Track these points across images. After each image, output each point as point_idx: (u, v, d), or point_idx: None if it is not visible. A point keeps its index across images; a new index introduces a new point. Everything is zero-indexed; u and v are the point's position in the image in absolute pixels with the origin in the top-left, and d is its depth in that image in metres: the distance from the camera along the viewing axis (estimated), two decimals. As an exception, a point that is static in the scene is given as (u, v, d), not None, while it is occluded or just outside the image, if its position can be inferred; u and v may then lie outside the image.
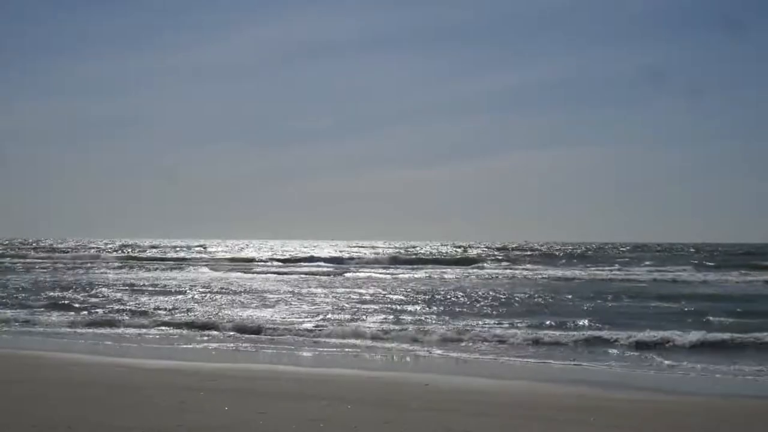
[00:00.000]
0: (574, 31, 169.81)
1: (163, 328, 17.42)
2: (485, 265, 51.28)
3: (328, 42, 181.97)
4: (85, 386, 9.49)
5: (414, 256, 63.06)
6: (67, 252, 68.40)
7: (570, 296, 25.63)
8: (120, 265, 49.97)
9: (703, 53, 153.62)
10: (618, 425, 7.70)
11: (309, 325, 17.24)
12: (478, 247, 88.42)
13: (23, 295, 25.17)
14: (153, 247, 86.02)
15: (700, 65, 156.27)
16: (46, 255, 61.93)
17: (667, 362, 12.77)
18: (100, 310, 20.20)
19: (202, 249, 78.10)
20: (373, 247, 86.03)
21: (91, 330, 17.09)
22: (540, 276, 38.28)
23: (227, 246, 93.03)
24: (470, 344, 14.76)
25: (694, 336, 14.79)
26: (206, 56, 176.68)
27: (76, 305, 21.58)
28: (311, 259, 59.13)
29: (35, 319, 18.54)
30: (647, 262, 52.31)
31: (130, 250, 76.39)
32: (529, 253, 72.64)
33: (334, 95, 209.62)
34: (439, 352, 13.97)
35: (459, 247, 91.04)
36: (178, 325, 17.57)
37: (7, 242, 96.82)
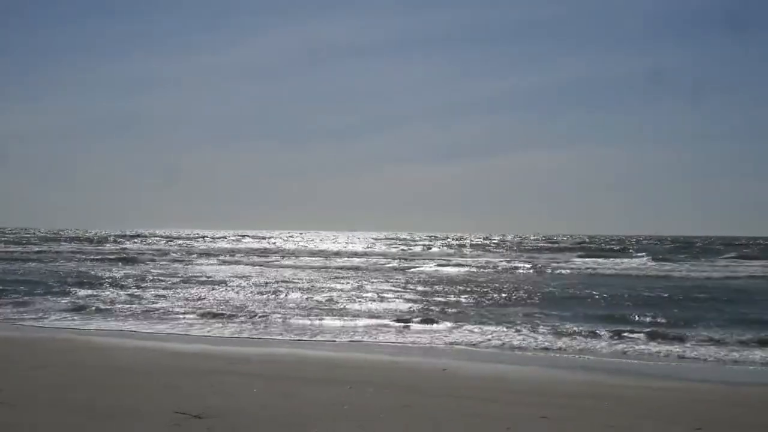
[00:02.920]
0: (585, 34, 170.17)
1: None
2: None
3: (350, 45, 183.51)
4: (117, 370, 9.70)
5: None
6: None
7: None
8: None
9: (710, 55, 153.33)
10: (627, 412, 7.77)
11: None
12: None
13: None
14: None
15: (707, 67, 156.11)
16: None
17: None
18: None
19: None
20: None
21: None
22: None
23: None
24: None
25: None
26: (233, 58, 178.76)
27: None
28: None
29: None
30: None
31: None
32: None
33: (356, 95, 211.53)
34: None
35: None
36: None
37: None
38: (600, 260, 44.18)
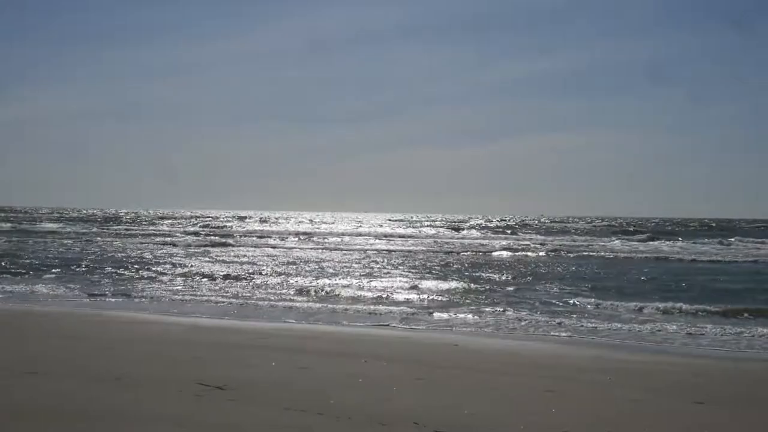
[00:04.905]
0: (591, 23, 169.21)
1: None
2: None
3: (363, 31, 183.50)
4: (145, 343, 9.87)
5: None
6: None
7: None
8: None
9: (709, 47, 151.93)
10: (632, 384, 7.80)
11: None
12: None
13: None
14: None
15: (705, 58, 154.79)
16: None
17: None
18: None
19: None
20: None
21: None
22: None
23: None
24: None
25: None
26: (250, 44, 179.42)
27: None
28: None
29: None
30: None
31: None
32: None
33: (365, 82, 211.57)
34: None
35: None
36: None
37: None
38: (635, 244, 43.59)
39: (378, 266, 25.18)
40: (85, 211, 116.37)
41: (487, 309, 14.68)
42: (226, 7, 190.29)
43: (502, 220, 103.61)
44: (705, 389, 7.64)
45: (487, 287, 18.85)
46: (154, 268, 22.82)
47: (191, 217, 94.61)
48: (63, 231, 50.76)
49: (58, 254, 28.75)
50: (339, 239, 46.18)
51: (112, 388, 6.89)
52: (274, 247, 37.42)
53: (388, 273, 22.62)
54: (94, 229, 54.55)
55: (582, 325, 12.85)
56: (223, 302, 15.73)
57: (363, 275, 21.73)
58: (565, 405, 6.70)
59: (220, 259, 27.81)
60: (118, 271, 21.82)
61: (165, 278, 20.34)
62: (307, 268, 23.90)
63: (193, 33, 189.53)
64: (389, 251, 34.48)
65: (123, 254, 29.44)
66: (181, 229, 57.27)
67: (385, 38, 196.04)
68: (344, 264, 26.09)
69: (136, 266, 23.55)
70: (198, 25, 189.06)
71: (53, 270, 21.99)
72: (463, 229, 65.47)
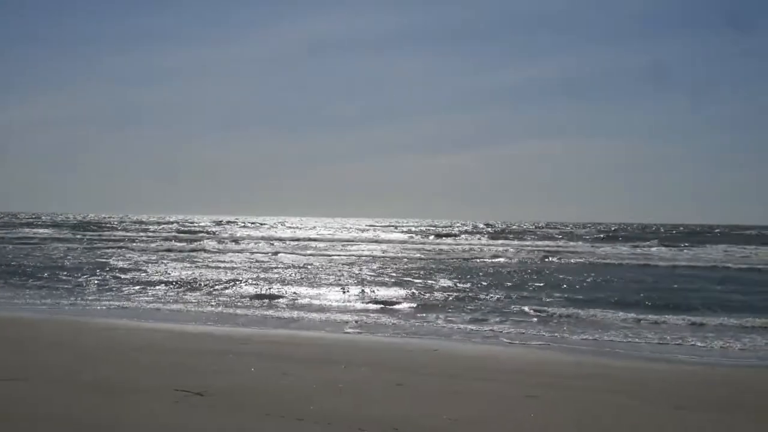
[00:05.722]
0: (585, 29, 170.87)
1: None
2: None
3: (357, 38, 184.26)
4: (125, 350, 9.74)
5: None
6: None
7: None
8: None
9: (705, 50, 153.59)
10: (614, 390, 7.82)
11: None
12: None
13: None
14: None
15: (702, 62, 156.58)
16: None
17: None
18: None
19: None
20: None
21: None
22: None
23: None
24: None
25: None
26: (243, 50, 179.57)
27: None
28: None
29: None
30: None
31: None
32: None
33: (360, 87, 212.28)
34: None
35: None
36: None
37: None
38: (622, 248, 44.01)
39: (359, 272, 25.12)
40: (65, 216, 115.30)
41: (467, 315, 14.72)
42: (224, 12, 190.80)
43: (487, 225, 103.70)
44: (686, 395, 7.67)
45: (468, 293, 18.84)
46: (127, 276, 22.62)
47: (172, 222, 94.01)
48: (41, 236, 50.33)
49: (22, 261, 28.12)
50: (323, 245, 46.03)
51: (91, 395, 6.82)
52: (254, 252, 37.26)
53: (369, 278, 22.58)
54: (71, 235, 53.88)
55: (563, 331, 12.89)
56: (200, 309, 15.60)
57: (344, 281, 21.68)
58: (545, 411, 6.70)
59: (199, 265, 27.66)
60: (90, 278, 21.58)
61: (140, 285, 20.16)
62: (289, 274, 23.81)
63: (183, 40, 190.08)
64: (373, 257, 34.38)
65: (101, 261, 29.19)
66: (161, 235, 56.89)
67: (380, 44, 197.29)
68: (325, 269, 26.01)
69: (108, 273, 23.36)
70: (189, 33, 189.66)
71: (15, 276, 21.64)
72: (448, 235, 65.41)
